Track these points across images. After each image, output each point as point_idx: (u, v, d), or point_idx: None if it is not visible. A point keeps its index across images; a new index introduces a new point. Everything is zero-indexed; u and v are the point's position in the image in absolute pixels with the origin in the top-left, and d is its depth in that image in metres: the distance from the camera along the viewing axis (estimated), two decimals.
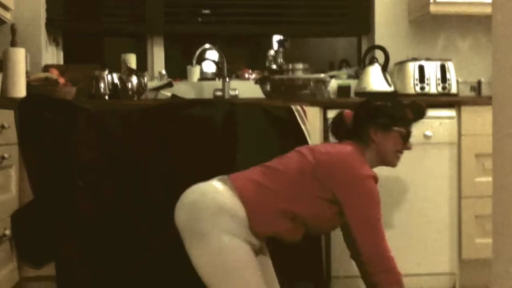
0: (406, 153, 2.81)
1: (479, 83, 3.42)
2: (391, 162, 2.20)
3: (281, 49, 3.41)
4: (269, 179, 2.03)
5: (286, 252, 2.33)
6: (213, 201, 1.95)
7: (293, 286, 2.47)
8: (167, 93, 3.31)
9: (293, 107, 2.72)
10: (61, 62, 3.56)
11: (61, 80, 2.97)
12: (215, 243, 1.90)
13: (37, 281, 2.62)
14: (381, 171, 2.83)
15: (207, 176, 2.52)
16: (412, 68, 3.21)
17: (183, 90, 3.41)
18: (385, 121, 2.13)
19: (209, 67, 3.64)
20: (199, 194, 2.00)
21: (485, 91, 3.37)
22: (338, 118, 2.29)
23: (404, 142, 2.18)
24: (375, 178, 2.05)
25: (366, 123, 2.16)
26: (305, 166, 2.04)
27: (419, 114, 2.21)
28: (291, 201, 2.00)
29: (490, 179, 1.30)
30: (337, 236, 2.83)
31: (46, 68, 3.27)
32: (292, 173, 2.03)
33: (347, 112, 2.27)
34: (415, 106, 2.22)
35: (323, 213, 2.03)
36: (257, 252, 2.03)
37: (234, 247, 1.91)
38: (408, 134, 2.18)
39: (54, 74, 3.03)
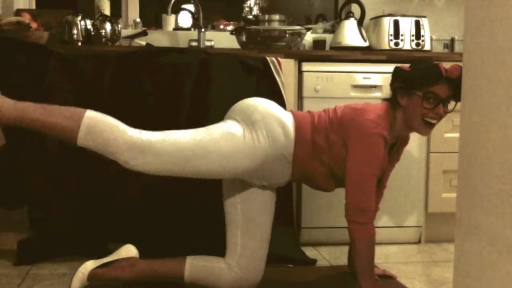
0: None
1: (453, 40, 3.45)
2: (417, 128, 2.14)
3: (258, 0, 3.38)
4: (315, 126, 2.14)
5: None
6: (274, 111, 2.11)
7: None
8: (141, 41, 3.27)
9: (268, 58, 2.72)
10: (33, 6, 3.48)
11: (33, 25, 2.92)
12: (255, 135, 2.02)
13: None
14: None
15: (179, 122, 2.55)
16: (387, 24, 3.22)
17: (158, 39, 3.37)
18: (402, 85, 2.12)
19: (184, 20, 3.59)
20: (264, 101, 2.15)
21: (458, 48, 3.40)
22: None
23: (428, 106, 2.07)
24: (385, 139, 2.07)
25: (394, 88, 2.18)
26: (333, 119, 2.14)
27: (434, 75, 2.08)
28: (326, 148, 2.11)
29: (458, 135, 1.33)
30: (307, 188, 2.88)
31: (18, 12, 3.20)
32: (326, 125, 2.14)
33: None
34: (430, 67, 2.13)
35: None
36: (269, 188, 2.16)
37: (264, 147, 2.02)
38: (429, 97, 2.07)
39: (26, 18, 2.97)
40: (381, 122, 2.07)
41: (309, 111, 2.25)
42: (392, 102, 2.17)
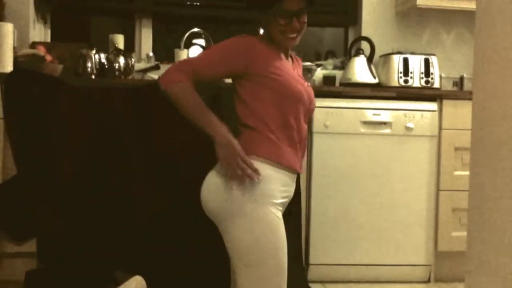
0: (388, 144, 2.88)
1: (462, 78, 3.48)
2: (281, 42, 2.07)
3: None
4: (248, 119, 2.06)
5: None
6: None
7: None
8: (153, 75, 3.31)
9: None
10: (48, 39, 3.54)
11: (48, 57, 2.97)
12: (247, 214, 1.93)
13: (17, 257, 2.63)
14: (361, 160, 2.89)
15: (189, 155, 2.56)
16: (396, 61, 3.26)
17: None
18: (257, 7, 2.10)
19: (196, 54, 3.64)
20: (217, 176, 2.02)
21: (467, 86, 3.42)
22: None
23: (282, 23, 2.03)
24: (241, 36, 2.05)
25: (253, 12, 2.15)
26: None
27: None
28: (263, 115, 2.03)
29: (468, 173, 1.33)
30: (316, 225, 2.88)
31: (33, 45, 3.25)
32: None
33: None
34: None
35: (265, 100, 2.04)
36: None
37: (265, 216, 1.93)
38: (281, 14, 2.02)
39: (41, 51, 3.02)
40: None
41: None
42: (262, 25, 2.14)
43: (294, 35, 2.07)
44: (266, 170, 1.96)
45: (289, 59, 2.19)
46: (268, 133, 2.00)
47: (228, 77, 2.14)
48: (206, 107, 2.03)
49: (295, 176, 2.10)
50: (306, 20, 2.09)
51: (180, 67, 2.03)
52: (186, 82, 2.01)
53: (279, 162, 1.99)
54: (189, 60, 2.06)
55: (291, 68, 2.11)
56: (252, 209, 1.93)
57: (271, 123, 2.00)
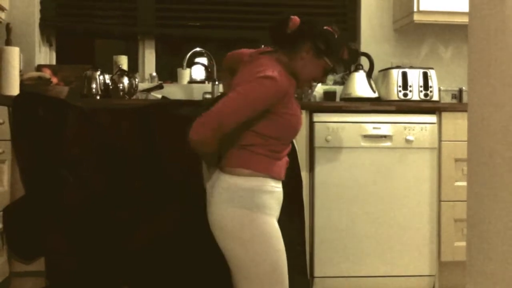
0: (388, 157, 2.92)
1: (460, 91, 3.52)
2: (302, 84, 2.18)
3: None
4: (249, 141, 2.10)
5: None
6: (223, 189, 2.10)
7: None
8: (157, 95, 3.37)
9: None
10: (54, 62, 3.60)
11: (54, 80, 3.03)
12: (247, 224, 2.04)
13: (27, 276, 2.66)
14: (363, 173, 2.92)
15: (195, 174, 2.60)
16: (395, 75, 3.30)
17: (173, 92, 3.47)
18: (322, 46, 2.10)
19: (198, 73, 3.70)
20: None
21: (466, 99, 3.46)
22: (284, 21, 2.15)
23: (323, 75, 2.17)
24: (275, 79, 1.99)
25: (305, 39, 2.12)
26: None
27: (352, 58, 2.17)
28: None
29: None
30: (320, 238, 2.91)
31: (39, 67, 3.31)
32: None
33: (295, 18, 2.14)
34: (352, 51, 2.22)
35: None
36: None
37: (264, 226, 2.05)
38: (330, 70, 2.18)
39: (47, 73, 3.08)
40: (274, 67, 2.07)
41: None
42: (293, 50, 2.12)
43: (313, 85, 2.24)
44: (267, 183, 2.07)
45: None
46: (267, 152, 2.08)
47: None
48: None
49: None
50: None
51: (207, 122, 1.98)
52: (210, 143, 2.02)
53: (275, 177, 2.10)
54: (217, 112, 1.97)
55: (298, 105, 2.16)
56: (252, 219, 2.02)
57: (270, 145, 2.08)
